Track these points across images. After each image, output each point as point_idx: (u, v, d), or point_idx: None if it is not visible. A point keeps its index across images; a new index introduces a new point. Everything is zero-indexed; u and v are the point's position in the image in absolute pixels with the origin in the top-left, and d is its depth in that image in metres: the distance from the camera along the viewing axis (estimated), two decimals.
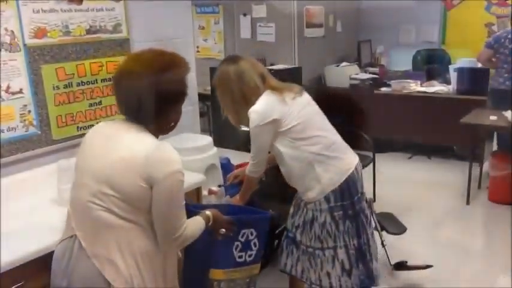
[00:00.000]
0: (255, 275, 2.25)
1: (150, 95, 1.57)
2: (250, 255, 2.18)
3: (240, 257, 2.14)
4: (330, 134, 2.29)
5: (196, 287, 2.10)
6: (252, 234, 2.15)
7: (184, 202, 1.65)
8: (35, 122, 2.33)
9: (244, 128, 2.33)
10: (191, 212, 1.78)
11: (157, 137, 1.66)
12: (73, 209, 1.62)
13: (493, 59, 4.76)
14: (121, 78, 1.63)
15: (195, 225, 1.72)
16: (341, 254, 2.24)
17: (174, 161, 1.58)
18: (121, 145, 1.59)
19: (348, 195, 2.23)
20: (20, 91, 2.26)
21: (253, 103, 2.18)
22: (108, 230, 1.54)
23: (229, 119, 2.33)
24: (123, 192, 1.53)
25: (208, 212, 1.85)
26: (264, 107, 2.17)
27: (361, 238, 2.29)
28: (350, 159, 2.30)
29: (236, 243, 2.10)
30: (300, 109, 2.21)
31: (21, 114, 2.27)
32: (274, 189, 2.76)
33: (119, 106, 1.68)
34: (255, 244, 2.18)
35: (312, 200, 2.24)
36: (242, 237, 2.11)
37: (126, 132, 1.62)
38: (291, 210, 2.42)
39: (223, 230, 1.96)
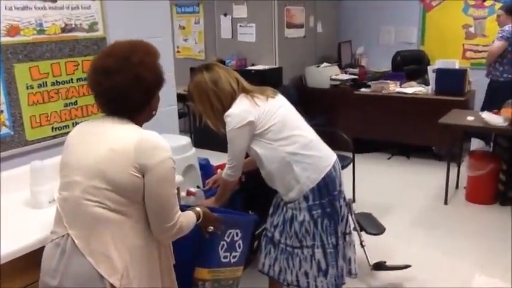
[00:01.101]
0: (238, 277, 2.25)
1: (133, 88, 1.58)
2: (234, 256, 2.18)
3: (225, 257, 2.14)
4: (307, 133, 2.30)
5: (181, 286, 2.08)
6: (237, 235, 2.16)
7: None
8: (7, 123, 2.28)
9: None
10: (181, 209, 1.77)
11: (141, 126, 1.67)
12: (64, 209, 1.59)
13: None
14: (98, 76, 1.60)
15: (188, 218, 1.73)
16: (318, 254, 2.25)
17: (164, 148, 1.59)
18: (109, 138, 1.58)
19: (325, 193, 2.24)
20: None
21: (230, 107, 2.20)
22: (103, 224, 1.53)
23: (209, 124, 2.33)
24: (116, 184, 1.52)
25: (198, 209, 1.87)
26: (239, 110, 2.19)
27: (338, 236, 2.31)
28: (327, 157, 2.31)
29: (222, 242, 2.10)
30: (275, 110, 2.23)
31: None
32: (254, 191, 2.75)
33: (99, 104, 1.67)
34: (239, 245, 2.18)
35: (292, 200, 2.25)
36: (228, 237, 2.12)
37: (111, 125, 1.62)
38: (271, 209, 2.42)
39: (211, 227, 1.96)
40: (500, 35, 4.89)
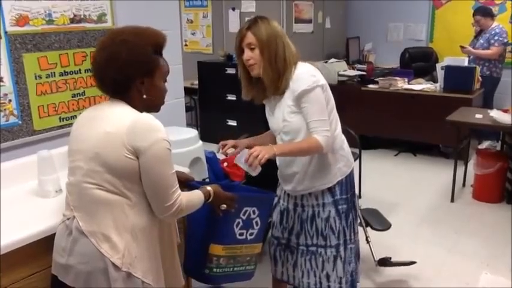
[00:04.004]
0: (256, 253, 2.21)
1: (107, 66, 1.60)
2: (251, 234, 2.15)
3: (241, 234, 2.11)
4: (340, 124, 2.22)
5: (196, 262, 2.09)
6: (254, 212, 2.12)
7: (190, 180, 1.68)
8: (15, 112, 2.28)
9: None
10: (194, 187, 1.80)
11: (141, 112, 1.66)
12: (70, 193, 1.66)
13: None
14: (95, 53, 1.67)
15: (191, 197, 1.73)
16: (342, 252, 2.21)
17: (157, 129, 1.57)
18: (105, 121, 1.61)
19: (349, 188, 2.22)
20: (0, 79, 2.20)
21: (288, 71, 2.04)
22: (102, 206, 1.57)
23: (266, 82, 2.07)
24: (111, 167, 1.55)
25: (209, 188, 1.84)
26: (312, 71, 2.05)
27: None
28: (351, 154, 2.28)
29: (237, 220, 2.07)
30: (330, 90, 2.11)
31: (1, 103, 2.22)
32: (259, 182, 2.74)
33: (98, 85, 1.70)
34: (256, 223, 2.15)
35: (304, 190, 2.18)
36: (244, 214, 2.09)
37: (110, 109, 1.65)
38: (274, 217, 2.35)
39: (224, 205, 1.94)
40: (499, 42, 5.38)
